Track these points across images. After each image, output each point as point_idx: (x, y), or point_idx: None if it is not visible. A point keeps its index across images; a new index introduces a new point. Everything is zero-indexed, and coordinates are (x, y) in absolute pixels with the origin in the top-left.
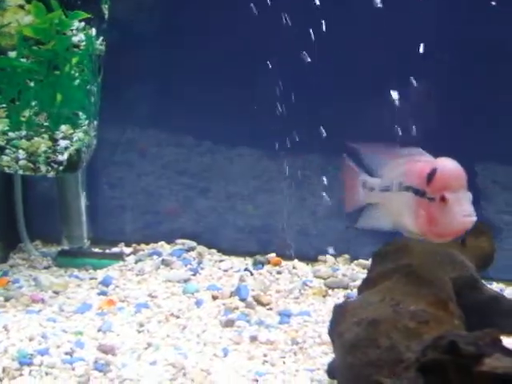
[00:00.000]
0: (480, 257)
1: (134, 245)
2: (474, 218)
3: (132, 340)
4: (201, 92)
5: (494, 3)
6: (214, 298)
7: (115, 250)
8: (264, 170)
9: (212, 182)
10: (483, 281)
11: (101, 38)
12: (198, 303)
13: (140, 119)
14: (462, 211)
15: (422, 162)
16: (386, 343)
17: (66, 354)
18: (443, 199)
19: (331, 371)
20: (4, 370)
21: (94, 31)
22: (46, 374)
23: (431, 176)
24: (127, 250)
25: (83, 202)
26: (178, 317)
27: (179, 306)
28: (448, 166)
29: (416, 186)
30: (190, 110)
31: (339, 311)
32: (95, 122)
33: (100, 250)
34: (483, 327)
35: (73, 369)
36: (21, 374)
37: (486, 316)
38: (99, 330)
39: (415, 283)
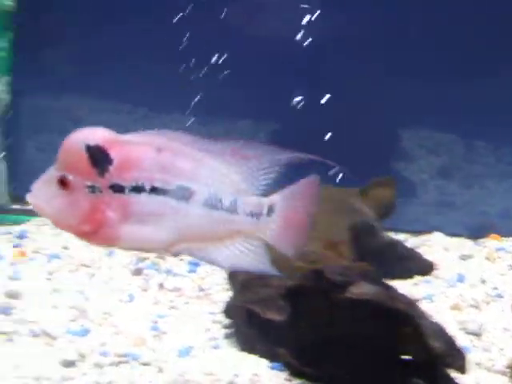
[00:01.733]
0: (381, 206)
1: None
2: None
3: (39, 287)
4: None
5: None
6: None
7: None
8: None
9: None
10: (392, 232)
11: None
12: (110, 254)
13: (75, 86)
14: None
15: None
16: (276, 282)
17: None
18: None
19: (227, 311)
20: None
21: None
22: None
23: None
24: None
25: (2, 162)
26: (88, 266)
27: (91, 257)
28: None
29: None
30: (127, 76)
31: None
32: (6, 78)
33: (19, 207)
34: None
35: None
36: None
37: (383, 260)
38: (9, 278)
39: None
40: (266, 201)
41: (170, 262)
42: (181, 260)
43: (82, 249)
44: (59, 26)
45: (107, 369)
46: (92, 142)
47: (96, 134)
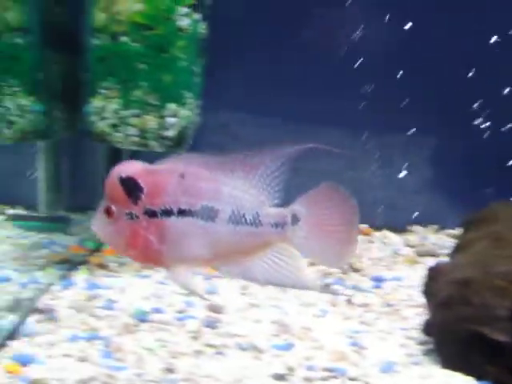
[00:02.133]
0: None
1: None
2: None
3: (237, 301)
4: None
5: None
6: (311, 264)
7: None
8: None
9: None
10: None
11: (203, 23)
12: None
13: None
14: None
15: None
16: (478, 301)
17: (178, 312)
18: None
19: (427, 329)
20: (124, 325)
21: (198, 16)
22: (161, 329)
23: None
24: None
25: None
26: None
27: None
28: None
29: None
30: (277, 92)
31: (433, 273)
32: (198, 101)
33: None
34: None
35: (185, 325)
36: (138, 330)
37: None
38: (206, 293)
39: (504, 247)
40: (288, 210)
41: (355, 278)
42: (364, 276)
43: None
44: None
45: (317, 383)
46: (124, 174)
47: (128, 167)
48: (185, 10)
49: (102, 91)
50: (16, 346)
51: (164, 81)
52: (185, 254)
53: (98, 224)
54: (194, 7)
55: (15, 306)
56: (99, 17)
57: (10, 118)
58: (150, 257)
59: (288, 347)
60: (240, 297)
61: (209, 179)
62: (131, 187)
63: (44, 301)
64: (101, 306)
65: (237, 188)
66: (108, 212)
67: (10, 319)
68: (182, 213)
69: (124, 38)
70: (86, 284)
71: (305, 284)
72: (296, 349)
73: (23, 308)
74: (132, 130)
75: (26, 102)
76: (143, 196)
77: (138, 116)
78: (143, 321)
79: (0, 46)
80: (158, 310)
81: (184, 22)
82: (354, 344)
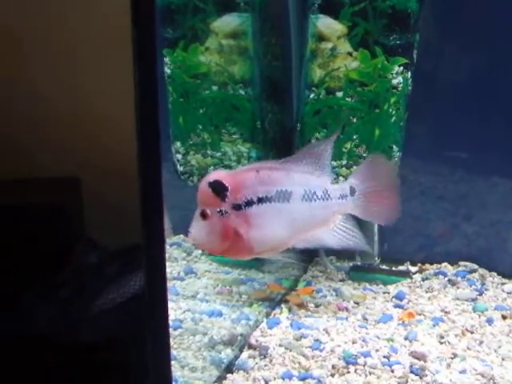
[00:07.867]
0: None
1: (419, 264)
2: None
3: (437, 349)
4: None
5: None
6: (504, 317)
7: (402, 268)
8: None
9: (472, 209)
10: None
11: (410, 80)
12: (489, 321)
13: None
14: None
15: None
16: None
17: (384, 357)
18: None
19: None
20: (333, 367)
21: (409, 74)
22: (370, 373)
23: None
24: (413, 269)
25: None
26: (472, 332)
27: (471, 323)
28: None
29: None
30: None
31: None
32: (400, 154)
33: (387, 267)
34: None
35: (392, 371)
36: (348, 372)
37: None
38: (406, 339)
39: None
40: (346, 183)
41: None
42: None
43: (460, 314)
44: None
45: None
46: (211, 179)
47: (213, 174)
48: (398, 68)
49: None
50: (234, 380)
51: (375, 135)
52: (269, 236)
53: (195, 228)
54: (407, 66)
55: (230, 341)
56: (316, 72)
57: (227, 162)
58: (241, 248)
59: None
60: (439, 345)
61: (280, 169)
62: (218, 188)
63: (255, 337)
64: (309, 346)
65: (305, 172)
66: (203, 214)
67: (227, 353)
68: (260, 200)
69: (339, 93)
70: (290, 322)
71: (364, 245)
72: None
73: (238, 343)
74: (341, 180)
75: (243, 148)
76: (228, 193)
77: (347, 167)
78: (351, 363)
79: (224, 96)
80: (364, 354)
81: (397, 80)
82: None
